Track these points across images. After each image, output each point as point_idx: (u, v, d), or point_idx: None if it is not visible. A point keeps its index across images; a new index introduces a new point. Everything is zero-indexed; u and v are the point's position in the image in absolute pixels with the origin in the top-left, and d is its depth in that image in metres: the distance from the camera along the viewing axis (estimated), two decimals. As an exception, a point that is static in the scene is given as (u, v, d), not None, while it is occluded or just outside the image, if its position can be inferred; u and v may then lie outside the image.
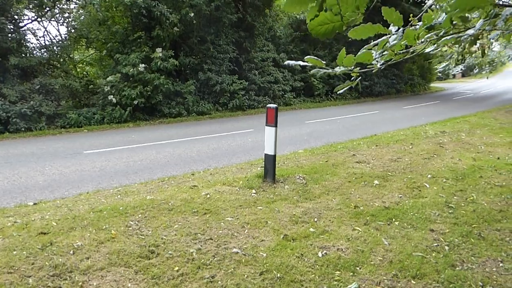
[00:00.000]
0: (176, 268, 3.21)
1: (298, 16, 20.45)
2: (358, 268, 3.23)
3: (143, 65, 14.00)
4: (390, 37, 1.64)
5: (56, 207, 4.66)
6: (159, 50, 14.67)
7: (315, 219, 4.19)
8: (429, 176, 5.93)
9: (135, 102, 13.64)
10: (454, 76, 51.54)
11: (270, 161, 5.35)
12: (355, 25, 1.40)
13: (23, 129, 11.73)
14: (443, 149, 7.77)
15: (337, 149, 7.91)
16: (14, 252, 3.41)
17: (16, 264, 3.22)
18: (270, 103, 16.30)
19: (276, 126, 5.27)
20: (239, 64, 17.78)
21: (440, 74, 41.97)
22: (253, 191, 5.08)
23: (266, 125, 5.34)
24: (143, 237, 3.79)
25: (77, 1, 17.40)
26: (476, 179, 5.77)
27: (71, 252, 3.45)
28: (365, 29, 1.41)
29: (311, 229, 3.92)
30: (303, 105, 19.23)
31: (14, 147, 9.57)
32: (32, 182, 6.35)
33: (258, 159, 7.33)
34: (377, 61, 1.79)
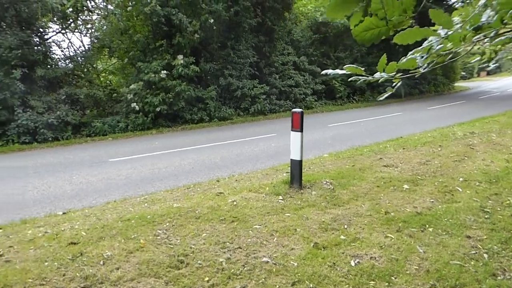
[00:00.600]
0: (206, 279, 3.17)
1: (317, 18, 20.30)
2: (393, 278, 3.11)
3: (164, 72, 14.15)
4: (436, 40, 1.55)
5: (84, 216, 4.70)
6: (180, 57, 14.80)
7: (345, 226, 4.08)
8: (460, 179, 5.72)
9: (158, 109, 13.79)
10: (478, 74, 50.24)
11: (296, 167, 5.26)
12: (402, 29, 1.33)
13: (50, 138, 12.00)
14: (474, 151, 7.52)
15: (363, 152, 7.75)
16: (46, 263, 3.43)
17: (48, 276, 3.24)
18: (292, 107, 16.25)
19: (301, 131, 5.19)
20: (260, 69, 17.78)
21: (464, 73, 40.98)
22: (280, 197, 5.00)
23: (291, 130, 5.26)
24: (171, 246, 3.76)
25: (99, 12, 17.78)
26: (511, 181, 5.54)
27: (101, 262, 3.45)
28: (412, 33, 1.33)
29: (342, 237, 3.82)
30: (325, 108, 19.05)
31: (42, 157, 9.78)
32: (60, 192, 6.46)
33: (283, 164, 7.25)
34: (420, 65, 1.70)
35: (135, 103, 13.73)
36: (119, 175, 7.44)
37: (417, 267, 3.26)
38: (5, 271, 3.32)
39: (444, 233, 3.90)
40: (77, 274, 3.26)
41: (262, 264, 3.34)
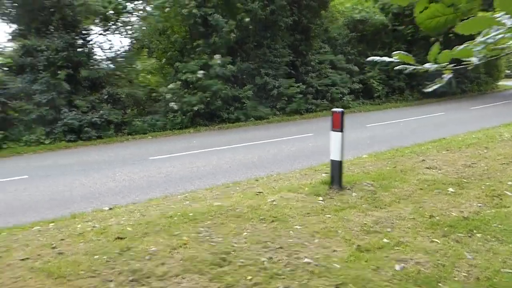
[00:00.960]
0: (249, 277, 3.20)
1: (354, 16, 19.96)
2: (440, 285, 3.02)
3: (202, 71, 14.37)
4: (497, 31, 1.47)
5: (129, 212, 4.86)
6: (217, 56, 14.98)
7: (388, 229, 4.00)
8: (509, 183, 5.47)
9: (195, 108, 14.02)
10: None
11: (336, 167, 5.21)
12: (469, 17, 1.26)
13: (94, 137, 12.48)
14: (523, 153, 7.17)
15: (404, 154, 7.56)
16: (95, 257, 3.57)
17: (98, 268, 3.37)
18: (328, 107, 16.08)
19: (342, 131, 5.13)
20: (296, 68, 17.71)
21: (509, 71, 39.06)
22: (320, 198, 4.97)
23: (331, 130, 5.22)
24: (214, 244, 3.82)
25: (139, 14, 18.27)
26: None
27: (147, 257, 3.55)
28: (476, 22, 1.25)
29: (385, 240, 3.75)
30: (362, 108, 18.71)
31: (87, 154, 10.19)
32: (105, 188, 6.71)
33: (321, 164, 7.20)
34: (475, 57, 1.63)
35: (173, 103, 14.03)
36: (159, 172, 7.64)
37: (466, 274, 3.15)
38: (58, 263, 3.49)
39: (493, 240, 3.75)
40: (125, 268, 3.37)
41: (304, 265, 3.33)
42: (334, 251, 3.56)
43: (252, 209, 4.74)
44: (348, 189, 5.25)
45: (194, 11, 14.14)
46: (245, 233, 4.06)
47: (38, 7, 13.63)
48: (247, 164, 8.06)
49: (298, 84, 17.07)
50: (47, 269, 3.38)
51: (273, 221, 4.37)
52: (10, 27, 14.85)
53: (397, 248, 3.58)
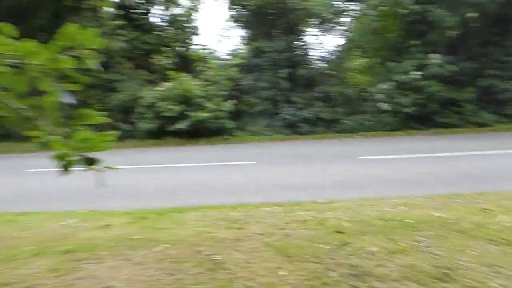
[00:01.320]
0: (478, 301, 2.93)
1: None
2: None
3: (417, 72, 13.61)
4: None
5: (345, 208, 5.08)
6: (433, 55, 13.92)
7: None
8: None
9: (407, 110, 13.41)
10: None
11: None
12: None
13: (306, 132, 13.45)
14: None
15: None
16: (318, 245, 3.89)
17: (321, 256, 3.66)
18: None
19: None
20: (534, 68, 14.85)
21: None
22: None
23: None
24: (435, 256, 3.64)
25: (353, 13, 18.49)
26: None
27: (365, 256, 3.66)
28: None
29: None
30: None
31: (300, 147, 11.07)
32: (317, 181, 7.16)
33: None
34: None
35: (384, 103, 13.78)
36: (369, 173, 7.67)
37: None
38: (285, 244, 3.94)
39: None
40: (345, 261, 3.56)
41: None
42: None
43: (478, 227, 4.28)
44: None
45: (413, 7, 13.45)
46: (470, 251, 3.71)
47: (267, 13, 15.43)
48: (467, 176, 7.27)
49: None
50: (277, 246, 3.87)
51: (504, 243, 3.85)
52: (245, 32, 17.32)
53: None
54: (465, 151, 9.64)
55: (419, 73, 13.62)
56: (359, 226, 4.36)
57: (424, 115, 13.80)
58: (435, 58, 13.93)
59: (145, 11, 18.44)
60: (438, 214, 4.69)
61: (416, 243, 3.93)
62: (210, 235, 4.25)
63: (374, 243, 3.92)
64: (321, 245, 3.88)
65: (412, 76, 13.64)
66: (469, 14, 13.82)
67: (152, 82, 15.57)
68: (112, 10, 17.70)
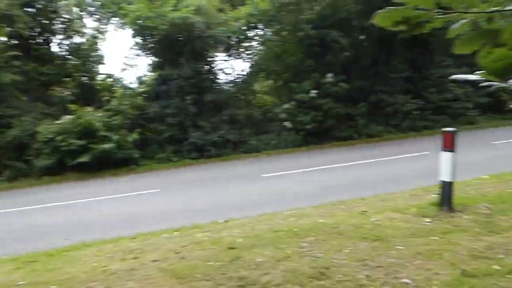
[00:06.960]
0: (346, 293, 3.32)
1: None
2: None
3: (314, 91, 14.71)
4: None
5: (241, 225, 5.34)
6: (329, 75, 15.19)
7: (501, 256, 3.71)
8: None
9: (308, 126, 14.37)
10: None
11: (447, 189, 4.98)
12: None
13: (214, 155, 13.68)
14: None
15: (535, 175, 6.75)
16: (210, 263, 4.06)
17: (211, 273, 3.83)
18: (449, 123, 14.91)
19: (454, 151, 4.90)
20: (414, 83, 16.89)
21: None
22: (427, 219, 4.79)
23: (442, 150, 5.02)
24: (314, 259, 4.02)
25: (258, 39, 19.37)
26: None
27: (253, 267, 3.91)
28: None
29: (495, 267, 3.49)
30: (489, 124, 16.87)
31: (208, 171, 11.25)
32: (221, 202, 7.39)
33: (434, 185, 6.83)
34: None
35: (287, 122, 14.61)
36: (271, 189, 8.10)
37: None
38: (179, 267, 4.06)
39: None
40: (235, 274, 3.78)
41: (402, 285, 3.32)
42: (436, 273, 3.46)
43: (355, 228, 4.80)
44: (459, 211, 4.95)
45: (311, 32, 14.65)
46: (345, 250, 4.16)
47: (173, 40, 15.56)
48: (357, 183, 8.04)
49: (415, 100, 16.24)
50: (171, 270, 3.97)
51: (375, 240, 4.38)
52: (150, 59, 17.24)
53: (508, 276, 3.31)
54: (357, 160, 10.59)
55: (316, 91, 14.74)
56: (251, 240, 4.62)
57: (322, 131, 14.91)
58: (330, 77, 15.21)
59: (44, 41, 17.45)
60: (322, 221, 5.15)
61: (300, 249, 4.29)
62: (104, 269, 4.19)
63: (263, 254, 4.20)
64: (213, 263, 4.06)
65: (310, 95, 14.71)
66: (360, 37, 15.37)
67: (51, 116, 14.72)
68: (4, 39, 16.47)
